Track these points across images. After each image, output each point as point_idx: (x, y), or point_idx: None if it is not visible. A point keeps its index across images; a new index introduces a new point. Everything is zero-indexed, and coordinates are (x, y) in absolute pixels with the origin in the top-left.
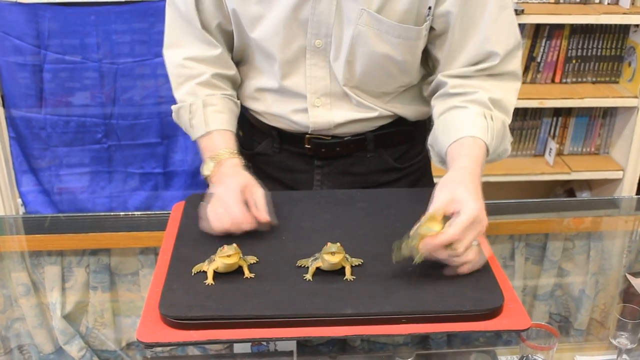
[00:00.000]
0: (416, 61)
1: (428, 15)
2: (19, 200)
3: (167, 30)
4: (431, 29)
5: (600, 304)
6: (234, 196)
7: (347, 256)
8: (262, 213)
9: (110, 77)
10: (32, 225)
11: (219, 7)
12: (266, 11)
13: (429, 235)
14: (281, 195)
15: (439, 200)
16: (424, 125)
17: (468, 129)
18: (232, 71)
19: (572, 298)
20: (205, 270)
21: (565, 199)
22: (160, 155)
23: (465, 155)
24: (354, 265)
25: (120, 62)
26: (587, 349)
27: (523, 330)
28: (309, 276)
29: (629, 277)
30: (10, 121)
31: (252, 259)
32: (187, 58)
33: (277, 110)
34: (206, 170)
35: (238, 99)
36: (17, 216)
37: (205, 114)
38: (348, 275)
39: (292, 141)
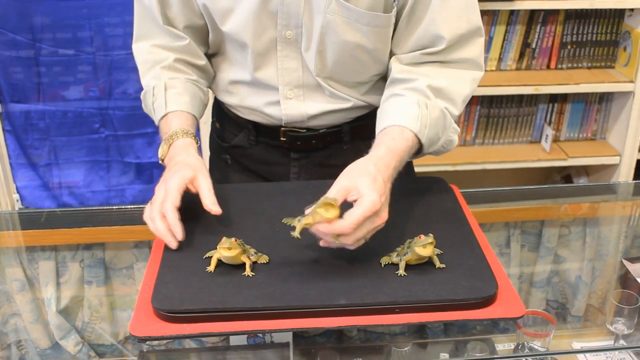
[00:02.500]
0: (387, 49)
1: (395, 1)
2: (15, 195)
3: (135, 24)
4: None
5: (597, 290)
6: (172, 201)
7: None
8: (208, 203)
9: (104, 69)
10: (27, 221)
11: (186, 4)
12: (236, 4)
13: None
14: (276, 186)
15: (339, 185)
16: None
17: (396, 118)
18: (201, 61)
19: (568, 284)
20: (212, 256)
21: (560, 185)
22: (156, 146)
23: (384, 144)
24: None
25: (114, 54)
26: (584, 335)
27: (518, 318)
28: (296, 233)
29: (626, 262)
30: (6, 115)
31: (263, 259)
32: (153, 45)
33: (250, 103)
34: (160, 152)
35: (207, 87)
36: (11, 211)
37: (165, 96)
38: (248, 271)
39: (267, 134)
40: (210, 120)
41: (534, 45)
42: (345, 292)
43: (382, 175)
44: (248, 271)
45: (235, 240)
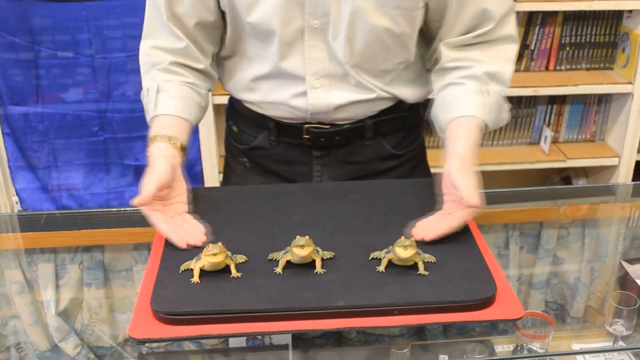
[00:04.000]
0: (414, 34)
1: None
2: (15, 198)
3: (145, 22)
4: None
5: (596, 291)
6: (154, 217)
7: (318, 249)
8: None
9: (103, 71)
10: (26, 223)
11: (198, 6)
12: None
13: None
14: (272, 188)
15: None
16: (418, 111)
17: (465, 108)
18: (200, 65)
19: (567, 286)
20: (193, 268)
21: (558, 187)
22: None
23: (463, 137)
24: (325, 258)
25: (112, 57)
26: (583, 337)
27: (517, 319)
28: (279, 269)
29: (624, 264)
30: (5, 117)
31: (241, 258)
32: (152, 47)
33: (275, 98)
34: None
35: (208, 91)
36: (10, 214)
37: (156, 99)
38: (318, 268)
39: (289, 133)
40: (221, 126)
41: (532, 47)
42: (344, 293)
43: (470, 167)
44: (234, 273)
45: (222, 244)
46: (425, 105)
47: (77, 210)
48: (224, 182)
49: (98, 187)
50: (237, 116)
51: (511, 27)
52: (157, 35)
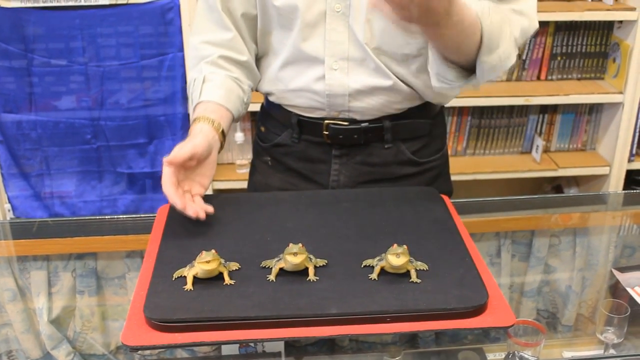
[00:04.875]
0: None
1: None
2: (7, 205)
3: (196, 19)
4: None
5: (587, 299)
6: (168, 177)
7: (311, 256)
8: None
9: (96, 80)
10: (18, 230)
11: None
12: None
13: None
14: (266, 196)
15: None
16: (443, 122)
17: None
18: (244, 57)
19: (559, 294)
20: (186, 275)
21: (550, 196)
22: (149, 156)
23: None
24: (317, 266)
25: (106, 65)
26: (575, 345)
27: (508, 327)
28: (272, 277)
29: (615, 272)
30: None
31: (234, 266)
32: (202, 41)
33: (296, 84)
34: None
35: (250, 87)
36: (3, 221)
37: (202, 88)
38: (311, 275)
39: (310, 130)
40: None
41: (524, 57)
42: (337, 301)
43: None
44: (227, 280)
45: (215, 252)
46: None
47: (70, 218)
48: (249, 181)
49: (91, 195)
50: (265, 117)
51: (528, 6)
52: (207, 30)
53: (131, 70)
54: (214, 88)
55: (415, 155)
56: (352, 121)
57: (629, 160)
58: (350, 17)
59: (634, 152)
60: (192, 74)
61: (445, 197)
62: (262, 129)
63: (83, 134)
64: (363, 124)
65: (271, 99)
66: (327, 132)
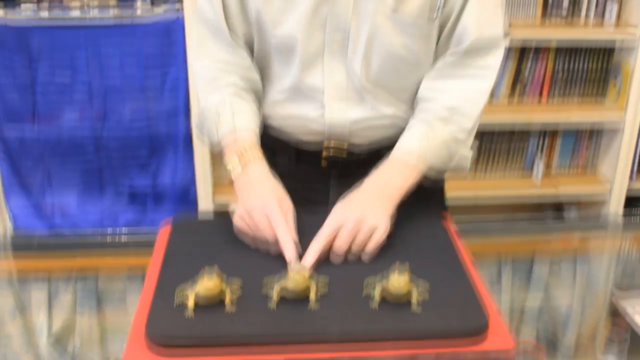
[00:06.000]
0: (429, 53)
1: (438, 9)
2: (8, 217)
3: (197, 43)
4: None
5: (587, 323)
6: (278, 213)
7: (313, 275)
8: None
9: (99, 95)
10: (20, 247)
11: (243, 12)
12: (288, 8)
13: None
14: None
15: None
16: None
17: (403, 140)
18: (257, 76)
19: (559, 318)
20: (188, 294)
21: (551, 220)
22: (150, 171)
23: (379, 171)
24: (319, 284)
25: (109, 81)
26: None
27: (508, 351)
28: (274, 298)
29: (615, 295)
30: (1, 139)
31: (236, 282)
32: (216, 61)
33: (295, 113)
34: (230, 164)
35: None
36: (4, 237)
37: (232, 112)
38: (312, 298)
39: (308, 159)
40: None
41: (525, 79)
42: (337, 324)
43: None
44: (229, 307)
45: (218, 271)
46: None
47: (72, 235)
48: None
49: (92, 209)
50: (261, 142)
51: (490, 59)
52: (217, 52)
53: (134, 86)
54: (244, 113)
55: None
56: (351, 151)
57: (630, 181)
58: (348, 50)
59: (634, 173)
60: (211, 97)
61: (446, 219)
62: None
63: (85, 148)
64: (362, 155)
65: (268, 121)
66: (325, 163)
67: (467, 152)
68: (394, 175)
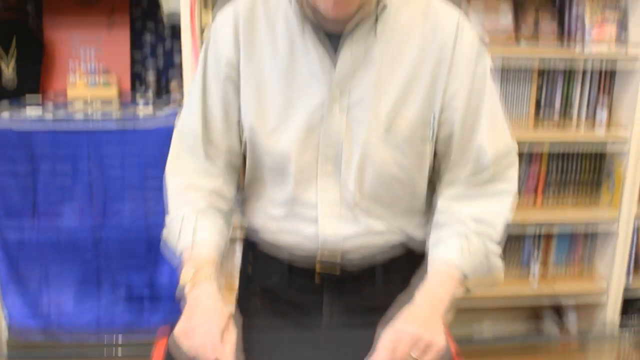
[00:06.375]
0: (423, 173)
1: (432, 128)
2: (3, 314)
3: (173, 156)
4: (437, 145)
5: None
6: (218, 337)
7: None
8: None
9: (100, 195)
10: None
11: (228, 129)
12: (282, 129)
13: None
14: (266, 338)
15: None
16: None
17: (438, 263)
18: (228, 205)
19: None
20: None
21: (552, 335)
22: (148, 272)
23: (425, 291)
24: None
25: (110, 182)
26: None
27: None
28: None
29: None
30: (1, 239)
31: None
32: (188, 186)
33: (289, 227)
34: (182, 280)
35: (228, 234)
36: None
37: (194, 228)
38: None
39: (301, 275)
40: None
41: (520, 181)
42: None
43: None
44: None
45: None
46: None
47: (68, 342)
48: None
49: (88, 308)
50: (253, 257)
51: (508, 173)
52: (190, 174)
53: (134, 187)
54: (207, 230)
55: (404, 283)
56: (344, 268)
57: (626, 282)
58: (341, 168)
59: (631, 272)
60: (178, 211)
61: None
62: (250, 269)
63: (84, 247)
64: (356, 272)
65: (260, 235)
66: (318, 281)
67: (499, 262)
68: (440, 289)
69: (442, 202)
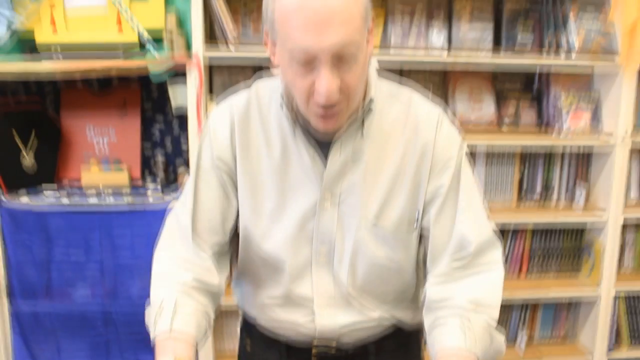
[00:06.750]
0: (411, 262)
1: (417, 221)
2: None
3: (165, 235)
4: (423, 231)
5: None
6: None
7: None
8: None
9: (110, 273)
10: None
11: (215, 230)
12: (276, 227)
13: None
14: None
15: None
16: (418, 337)
17: (447, 343)
18: (215, 288)
19: None
20: None
21: None
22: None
23: None
24: None
25: (120, 260)
26: None
27: None
28: None
29: None
30: (16, 314)
31: None
32: (176, 261)
33: (285, 318)
34: None
35: (214, 312)
36: None
37: (174, 312)
38: None
39: (298, 353)
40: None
41: (505, 258)
42: None
43: None
44: None
45: None
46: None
47: None
48: None
49: None
50: (251, 335)
51: (493, 255)
52: (179, 251)
53: (143, 265)
54: (186, 316)
55: (394, 357)
56: (339, 348)
57: (609, 351)
58: (334, 261)
59: (612, 344)
60: (159, 292)
61: None
62: (248, 347)
63: (95, 322)
64: (350, 350)
65: (258, 321)
66: (315, 356)
67: (500, 337)
68: None
69: (433, 287)
